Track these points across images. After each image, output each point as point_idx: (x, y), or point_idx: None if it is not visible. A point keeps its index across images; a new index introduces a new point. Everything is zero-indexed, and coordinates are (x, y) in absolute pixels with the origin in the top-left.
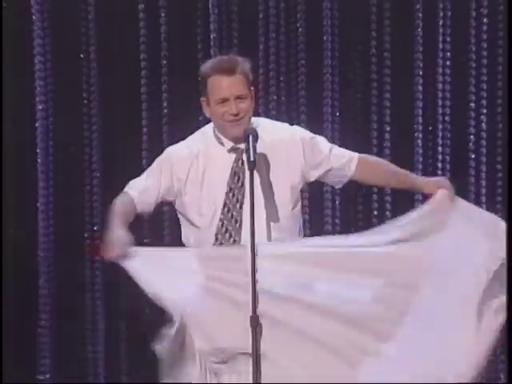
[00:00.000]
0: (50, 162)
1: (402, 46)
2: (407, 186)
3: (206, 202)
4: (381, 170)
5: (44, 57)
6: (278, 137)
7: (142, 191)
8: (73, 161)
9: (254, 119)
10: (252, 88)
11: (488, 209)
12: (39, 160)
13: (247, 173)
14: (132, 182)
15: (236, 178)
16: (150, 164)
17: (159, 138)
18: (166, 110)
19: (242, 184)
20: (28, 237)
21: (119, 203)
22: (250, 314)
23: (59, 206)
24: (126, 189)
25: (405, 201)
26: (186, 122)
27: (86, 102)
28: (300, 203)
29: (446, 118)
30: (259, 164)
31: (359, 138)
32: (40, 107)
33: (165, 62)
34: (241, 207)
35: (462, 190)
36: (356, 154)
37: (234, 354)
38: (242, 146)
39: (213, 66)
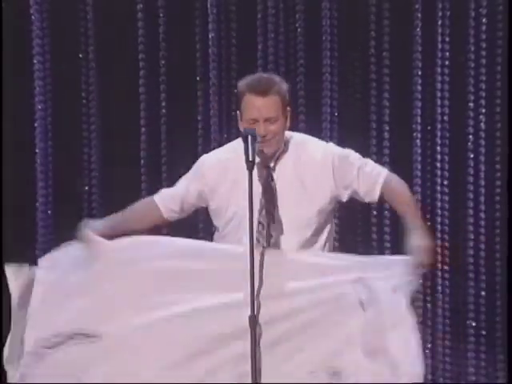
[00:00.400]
0: (48, 162)
1: (401, 46)
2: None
3: (232, 211)
4: (399, 201)
5: (43, 57)
6: (310, 156)
7: (167, 197)
8: (72, 161)
9: (288, 134)
10: (288, 108)
11: (487, 209)
12: (38, 160)
13: (278, 188)
14: (163, 189)
15: (267, 195)
16: (148, 164)
17: (157, 137)
18: (164, 110)
19: (273, 198)
20: (27, 236)
21: (136, 204)
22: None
23: (58, 206)
24: (156, 195)
25: None
26: (185, 121)
27: (84, 101)
28: (329, 224)
29: (445, 118)
30: (288, 180)
31: (358, 137)
32: (39, 107)
33: (163, 62)
34: (274, 222)
35: (460, 190)
36: (382, 178)
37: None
38: (272, 164)
39: (248, 84)
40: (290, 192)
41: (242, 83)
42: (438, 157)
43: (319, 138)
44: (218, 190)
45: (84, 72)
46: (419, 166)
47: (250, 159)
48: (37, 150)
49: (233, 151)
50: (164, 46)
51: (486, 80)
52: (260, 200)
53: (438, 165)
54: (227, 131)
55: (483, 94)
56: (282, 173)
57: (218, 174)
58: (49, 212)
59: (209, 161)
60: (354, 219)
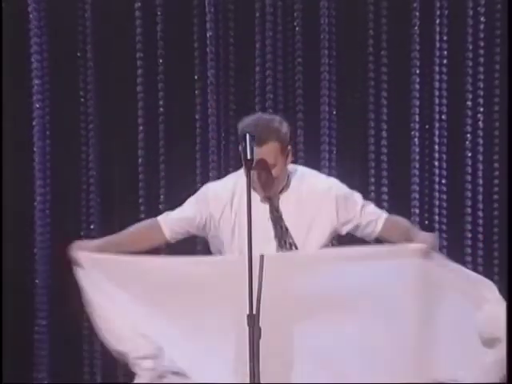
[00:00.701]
0: (46, 160)
1: (399, 45)
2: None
3: (237, 241)
4: (402, 230)
5: (41, 55)
6: (312, 191)
7: (172, 220)
8: (70, 159)
9: (292, 167)
10: (289, 147)
11: (485, 208)
12: (36, 158)
13: (285, 218)
14: (167, 212)
15: (278, 227)
16: (146, 162)
17: (155, 136)
18: (162, 109)
19: (286, 228)
20: (25, 235)
21: (137, 224)
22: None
23: (56, 205)
24: (159, 216)
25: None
26: (183, 120)
27: (82, 100)
28: None
29: (443, 117)
30: (290, 214)
31: (356, 136)
32: (37, 105)
33: (161, 60)
34: (296, 248)
35: (458, 189)
36: (384, 215)
37: None
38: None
39: (246, 130)
40: (291, 225)
41: (241, 126)
42: (436, 155)
43: (317, 138)
44: (221, 221)
45: (82, 71)
46: (417, 165)
47: (248, 158)
48: (35, 149)
49: (235, 182)
50: (162, 44)
51: (485, 79)
52: (273, 232)
53: (436, 163)
54: (225, 130)
55: (481, 93)
56: (285, 206)
57: (223, 204)
58: (46, 211)
59: (213, 190)
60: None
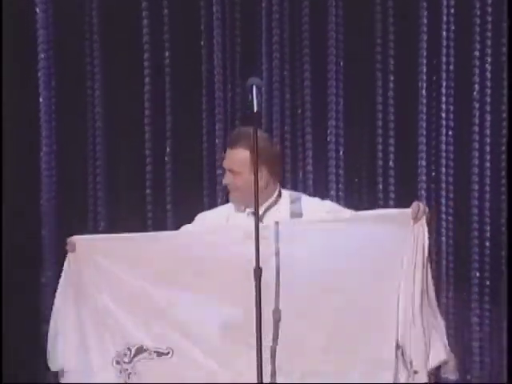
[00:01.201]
0: (53, 142)
1: (407, 19)
2: None
3: None
4: None
5: (47, 30)
6: (303, 209)
7: None
8: (76, 140)
9: (286, 191)
10: (266, 168)
11: (492, 187)
12: (43, 133)
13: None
14: None
15: None
16: (152, 138)
17: (162, 114)
18: (168, 90)
19: None
20: (31, 222)
21: None
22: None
23: (62, 191)
24: None
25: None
26: (189, 99)
27: (89, 76)
28: None
29: (451, 68)
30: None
31: (363, 111)
32: (42, 79)
33: (168, 44)
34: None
35: (465, 139)
36: None
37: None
38: (261, 212)
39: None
40: None
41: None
42: (443, 107)
43: (325, 97)
44: None
45: (88, 53)
46: (424, 117)
47: (255, 110)
48: (41, 130)
49: (228, 209)
50: (166, 3)
51: (492, 28)
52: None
53: (443, 115)
54: (231, 98)
55: (489, 43)
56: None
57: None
58: (52, 191)
59: (210, 218)
60: None
